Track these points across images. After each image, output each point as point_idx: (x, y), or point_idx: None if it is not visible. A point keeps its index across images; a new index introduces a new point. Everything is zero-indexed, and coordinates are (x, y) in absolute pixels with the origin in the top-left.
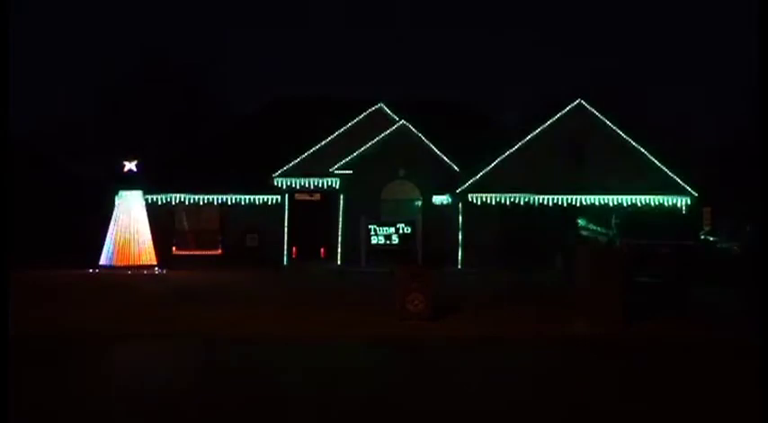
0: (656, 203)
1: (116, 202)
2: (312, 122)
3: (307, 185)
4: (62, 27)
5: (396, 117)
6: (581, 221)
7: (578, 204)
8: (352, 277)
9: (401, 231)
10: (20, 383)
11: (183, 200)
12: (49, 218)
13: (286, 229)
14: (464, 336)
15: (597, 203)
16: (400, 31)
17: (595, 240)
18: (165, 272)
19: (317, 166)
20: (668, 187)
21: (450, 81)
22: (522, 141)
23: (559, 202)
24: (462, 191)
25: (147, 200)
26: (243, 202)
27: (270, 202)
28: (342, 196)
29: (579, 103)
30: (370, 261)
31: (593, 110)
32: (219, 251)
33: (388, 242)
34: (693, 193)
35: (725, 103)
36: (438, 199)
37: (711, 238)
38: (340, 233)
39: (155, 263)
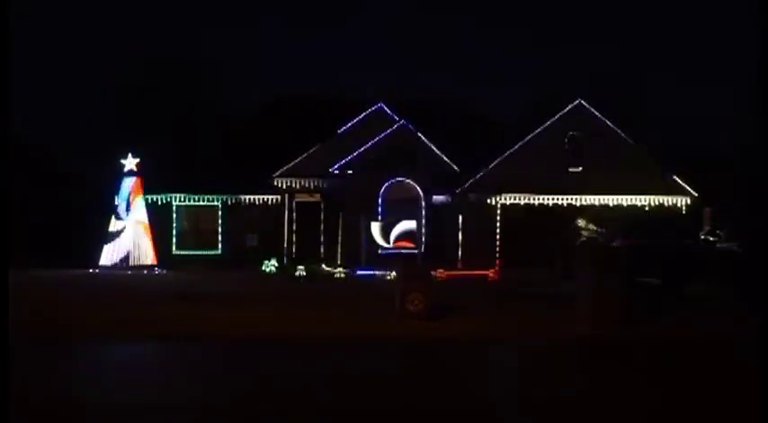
0: (656, 203)
1: (116, 202)
2: (312, 122)
3: (307, 185)
4: (63, 27)
5: (396, 117)
6: (581, 222)
7: (578, 204)
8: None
9: (401, 231)
10: (17, 382)
11: (183, 200)
12: (48, 218)
13: (286, 230)
14: (464, 336)
15: (597, 203)
16: (400, 31)
17: (595, 240)
18: (164, 272)
19: (316, 166)
20: (668, 187)
21: (450, 81)
22: (522, 141)
23: (559, 202)
24: (462, 191)
25: (147, 200)
26: (243, 202)
27: (270, 202)
28: (342, 196)
29: (579, 104)
30: (369, 261)
31: (593, 110)
32: (219, 251)
33: (387, 243)
34: (693, 193)
35: (726, 102)
36: (438, 199)
37: (711, 238)
38: (340, 233)
39: (155, 263)
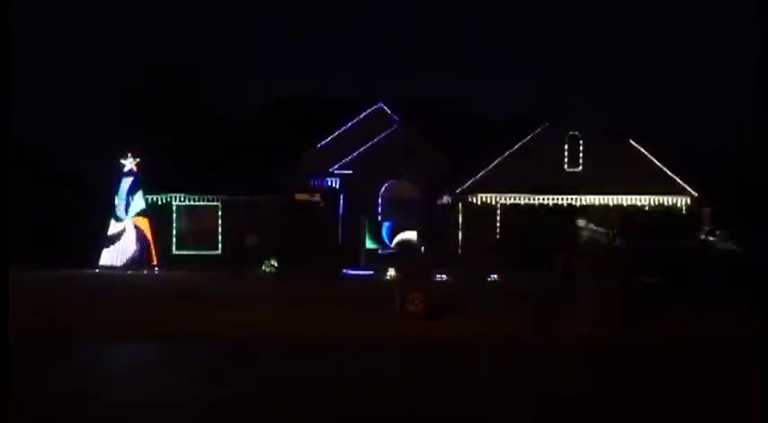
0: (656, 203)
1: (116, 202)
2: (312, 122)
3: (307, 185)
4: (63, 26)
5: (395, 117)
6: (581, 222)
7: (578, 204)
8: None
9: (400, 231)
10: (19, 381)
11: (182, 200)
12: (48, 218)
13: (286, 230)
14: (464, 336)
15: (597, 203)
16: (400, 31)
17: (595, 240)
18: (164, 272)
19: (316, 166)
20: (668, 187)
21: (450, 81)
22: (522, 141)
23: (559, 202)
24: (462, 191)
25: (146, 200)
26: (243, 202)
27: (270, 202)
28: (342, 196)
29: (578, 104)
30: (369, 261)
31: (593, 109)
32: (219, 251)
33: (387, 242)
34: (693, 193)
35: (726, 102)
36: (438, 199)
37: (711, 239)
38: (340, 233)
39: (155, 263)
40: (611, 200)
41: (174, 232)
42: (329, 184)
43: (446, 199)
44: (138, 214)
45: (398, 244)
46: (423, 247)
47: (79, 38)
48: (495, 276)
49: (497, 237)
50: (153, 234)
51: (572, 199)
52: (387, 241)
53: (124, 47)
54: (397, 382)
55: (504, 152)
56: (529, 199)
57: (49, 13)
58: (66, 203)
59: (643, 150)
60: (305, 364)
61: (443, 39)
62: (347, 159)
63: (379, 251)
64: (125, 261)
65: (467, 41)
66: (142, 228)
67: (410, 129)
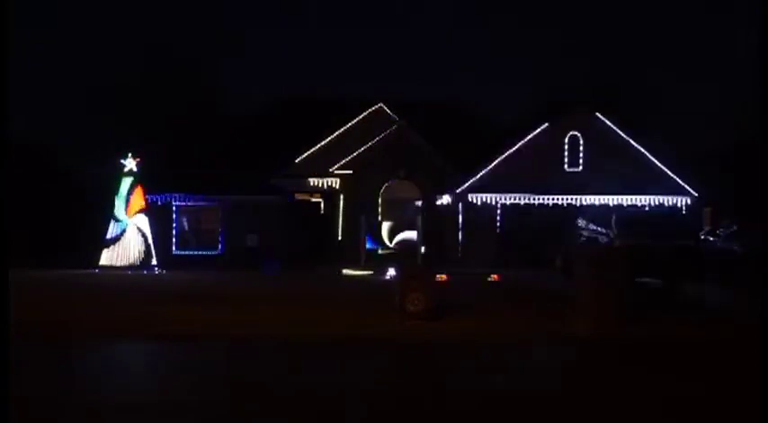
0: (656, 203)
1: (116, 202)
2: (312, 122)
3: (307, 185)
4: (63, 26)
5: (396, 117)
6: (581, 221)
7: (578, 204)
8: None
9: (400, 232)
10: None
11: (182, 200)
12: (48, 218)
13: (286, 230)
14: (464, 336)
15: (597, 203)
16: (401, 31)
17: (595, 240)
18: (164, 272)
19: (316, 166)
20: (668, 187)
21: (450, 81)
22: (522, 141)
23: (559, 202)
24: (462, 191)
25: (146, 200)
26: (243, 202)
27: (270, 202)
28: (342, 196)
29: (579, 103)
30: (369, 261)
31: (593, 110)
32: (219, 251)
33: (387, 242)
34: (693, 193)
35: (726, 102)
36: (438, 199)
37: (711, 239)
38: (340, 233)
39: (155, 263)
40: (611, 200)
41: (175, 232)
42: (329, 184)
43: (446, 199)
44: (138, 212)
45: (399, 243)
46: (423, 248)
47: (79, 37)
48: (496, 276)
49: (497, 237)
50: (153, 234)
51: (572, 199)
52: (386, 241)
53: (124, 47)
54: (397, 382)
55: (505, 152)
56: (529, 199)
57: (49, 12)
58: (66, 203)
59: (643, 150)
60: (304, 365)
61: (444, 39)
62: (347, 159)
63: (379, 251)
64: (128, 261)
65: (467, 41)
66: (142, 227)
67: (410, 129)
